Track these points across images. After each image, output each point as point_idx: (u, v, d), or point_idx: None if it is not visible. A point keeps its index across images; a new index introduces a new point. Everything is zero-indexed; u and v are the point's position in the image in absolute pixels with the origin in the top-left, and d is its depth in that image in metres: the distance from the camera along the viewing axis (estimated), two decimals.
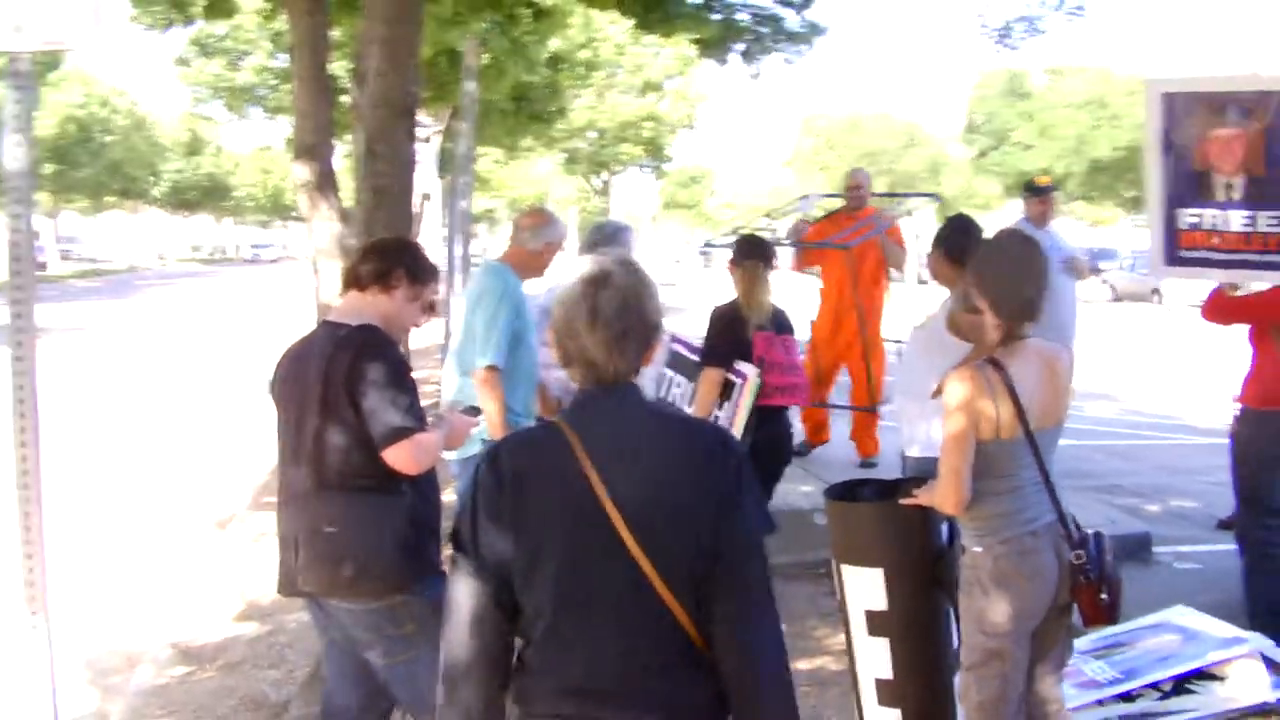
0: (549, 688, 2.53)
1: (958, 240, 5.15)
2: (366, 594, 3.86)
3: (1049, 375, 3.97)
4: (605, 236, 6.58)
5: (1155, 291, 39.02)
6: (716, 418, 6.31)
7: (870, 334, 9.42)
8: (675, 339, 7.27)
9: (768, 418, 6.33)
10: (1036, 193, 9.36)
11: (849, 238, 9.17)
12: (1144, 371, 8.47)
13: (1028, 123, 60.24)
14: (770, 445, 6.39)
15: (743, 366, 6.26)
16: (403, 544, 3.80)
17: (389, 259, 4.14)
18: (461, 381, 5.76)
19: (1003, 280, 3.98)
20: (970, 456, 3.91)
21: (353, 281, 4.14)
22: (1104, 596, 3.92)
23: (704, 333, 6.57)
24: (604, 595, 2.49)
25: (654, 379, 7.26)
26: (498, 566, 2.54)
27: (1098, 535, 4.03)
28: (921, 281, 6.33)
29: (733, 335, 6.38)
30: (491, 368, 5.49)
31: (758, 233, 8.30)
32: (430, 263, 4.31)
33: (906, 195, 10.79)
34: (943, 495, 3.99)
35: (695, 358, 6.58)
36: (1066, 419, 4.12)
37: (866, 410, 9.37)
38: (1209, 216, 6.01)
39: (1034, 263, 4.00)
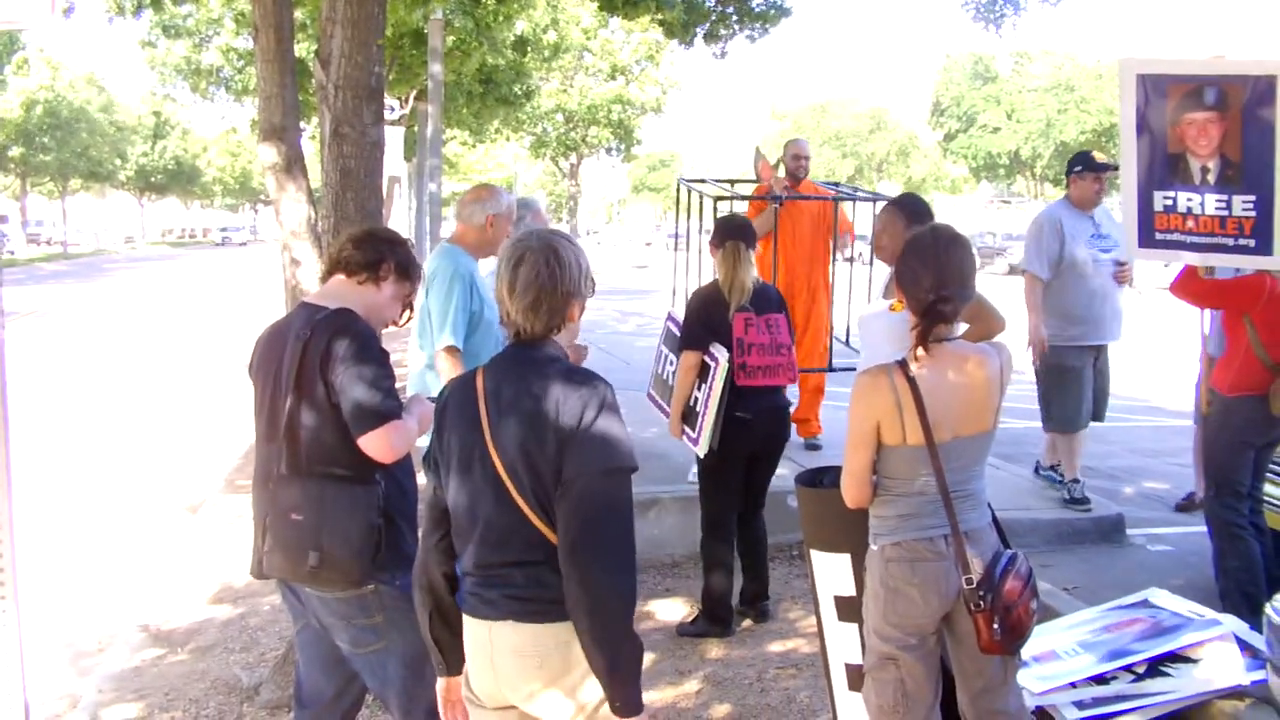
0: (462, 566, 3.20)
1: (898, 223, 5.15)
2: (330, 584, 3.82)
3: (970, 381, 3.81)
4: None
5: None
6: (696, 399, 6.34)
7: (816, 307, 9.42)
8: (671, 319, 7.32)
9: (753, 397, 6.31)
10: (1092, 168, 8.26)
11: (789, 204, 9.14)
12: (1115, 353, 8.51)
13: (994, 106, 60.44)
14: (761, 424, 6.40)
15: (716, 350, 6.27)
16: (370, 537, 3.74)
17: (382, 249, 4.08)
18: (420, 372, 5.74)
19: (914, 280, 3.83)
20: (871, 457, 3.83)
21: (340, 266, 4.06)
22: (996, 627, 3.70)
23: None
24: (479, 502, 3.08)
25: (655, 357, 7.46)
26: (438, 469, 3.22)
27: (1013, 556, 3.84)
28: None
29: (709, 318, 6.37)
30: (451, 348, 5.46)
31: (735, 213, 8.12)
32: (418, 263, 4.29)
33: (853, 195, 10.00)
34: (845, 490, 3.94)
35: None
36: (995, 424, 3.94)
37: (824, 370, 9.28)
38: (1184, 199, 5.98)
39: (948, 263, 3.81)
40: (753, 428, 6.35)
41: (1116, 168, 8.17)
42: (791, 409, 6.92)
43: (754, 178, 9.96)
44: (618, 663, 2.93)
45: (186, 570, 7.82)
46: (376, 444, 3.72)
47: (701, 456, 6.37)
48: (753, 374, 6.30)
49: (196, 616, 6.97)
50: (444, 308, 5.49)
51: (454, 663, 3.29)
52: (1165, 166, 5.99)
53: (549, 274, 3.10)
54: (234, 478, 10.12)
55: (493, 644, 3.09)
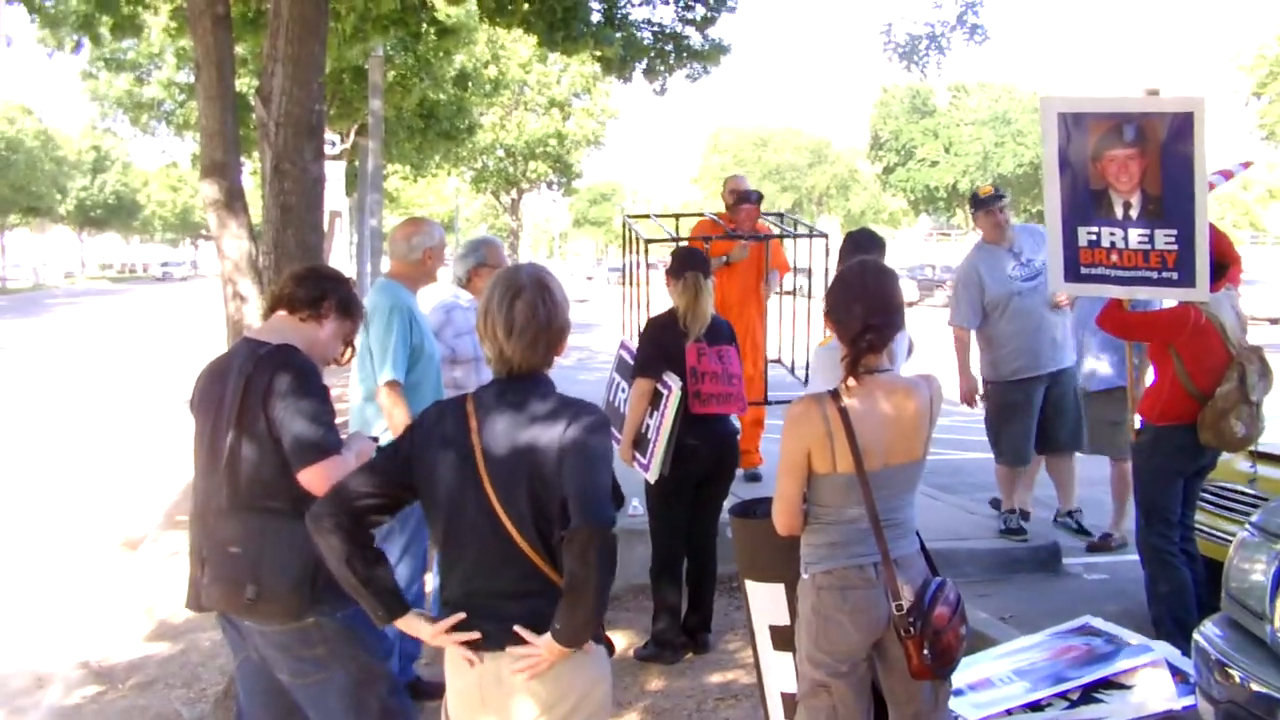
0: (446, 596, 3.24)
1: (849, 256, 5.20)
2: (268, 616, 3.83)
3: (899, 412, 3.87)
4: (467, 251, 6.61)
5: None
6: (648, 426, 6.41)
7: (751, 340, 9.44)
8: (624, 347, 7.37)
9: (704, 425, 6.40)
10: (981, 206, 8.49)
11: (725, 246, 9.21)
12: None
13: (932, 139, 60.95)
14: (711, 450, 6.49)
15: (669, 378, 6.34)
16: (309, 571, 3.74)
17: (324, 286, 4.12)
18: (360, 407, 5.76)
19: (843, 311, 3.92)
20: (801, 484, 3.90)
21: (283, 303, 4.10)
22: (926, 653, 3.75)
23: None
24: (473, 535, 3.13)
25: (605, 383, 7.51)
26: (377, 474, 3.23)
27: (941, 583, 3.91)
28: None
29: (664, 346, 6.45)
30: (393, 383, 5.48)
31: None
32: (360, 301, 4.32)
33: (794, 233, 10.06)
34: (775, 518, 4.00)
35: None
36: (924, 453, 3.99)
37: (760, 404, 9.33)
38: (1107, 234, 6.11)
39: (876, 294, 3.92)
40: (703, 454, 6.43)
41: (1003, 196, 8.36)
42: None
43: (694, 213, 10.02)
44: (601, 603, 3.09)
45: (126, 606, 7.75)
46: (316, 478, 3.71)
47: (653, 482, 6.43)
48: (706, 402, 6.39)
49: (136, 653, 6.91)
50: (384, 343, 5.50)
51: (397, 604, 3.22)
52: (1088, 202, 6.12)
53: (545, 312, 3.20)
54: (173, 513, 10.02)
55: (483, 675, 3.15)
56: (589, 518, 2.98)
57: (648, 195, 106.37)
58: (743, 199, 9.54)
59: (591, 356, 22.90)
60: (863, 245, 5.60)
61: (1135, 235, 6.02)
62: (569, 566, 2.99)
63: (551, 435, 3.08)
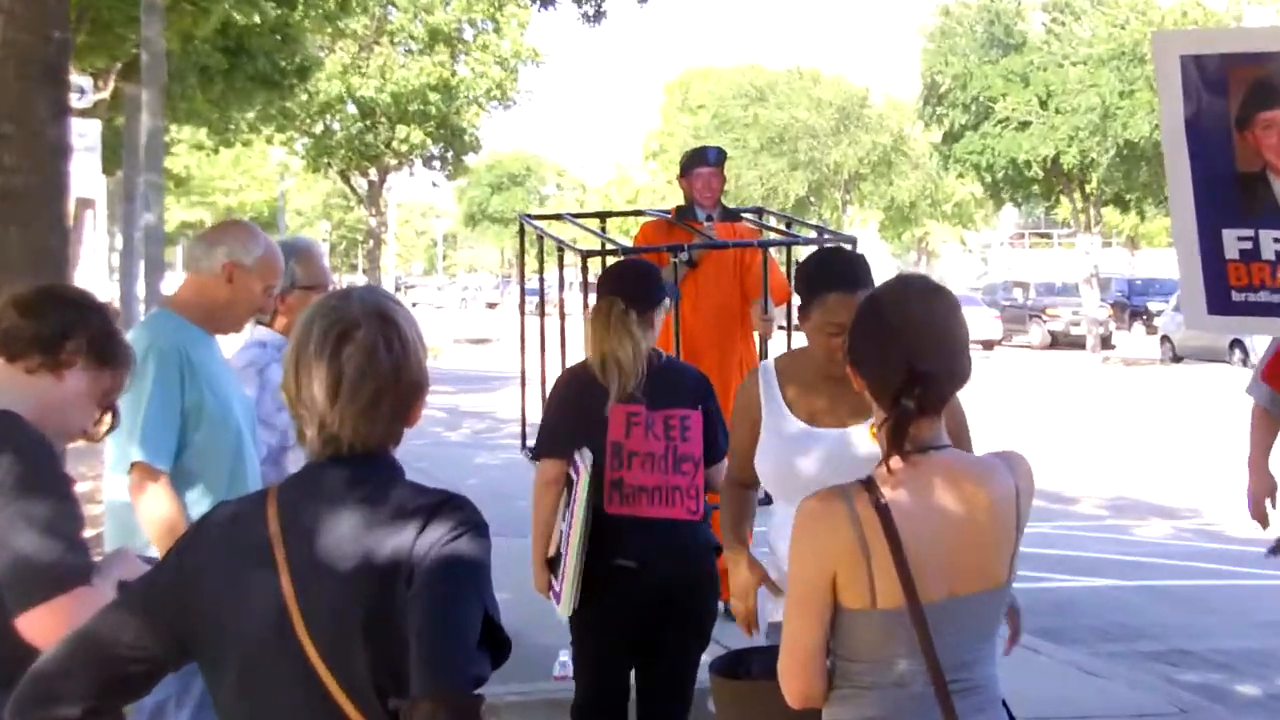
0: None
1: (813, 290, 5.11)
2: None
3: (969, 511, 3.75)
4: None
5: (1235, 346, 36.77)
6: (562, 531, 6.22)
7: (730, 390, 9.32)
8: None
9: (641, 534, 6.20)
10: None
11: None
12: (1224, 471, 8.39)
13: (1020, 88, 61.24)
14: (661, 575, 6.22)
15: (580, 458, 6.18)
16: None
17: (67, 318, 4.08)
18: (122, 506, 5.52)
19: (876, 354, 3.84)
20: (823, 626, 3.77)
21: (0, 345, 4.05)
22: None
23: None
24: (282, 709, 3.05)
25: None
26: (132, 616, 3.11)
27: None
28: None
29: (579, 411, 6.32)
30: (143, 466, 5.30)
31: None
32: (125, 342, 4.27)
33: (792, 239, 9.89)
34: (783, 679, 3.85)
35: None
36: (1011, 576, 3.91)
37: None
38: (1269, 240, 6.03)
39: (926, 326, 3.82)
40: (646, 581, 6.19)
41: None
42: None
43: (629, 210, 10.09)
44: None
45: None
46: (47, 624, 3.62)
47: (565, 618, 6.31)
48: (631, 499, 6.22)
49: None
50: (134, 406, 5.24)
51: None
52: (1236, 192, 6.03)
53: (390, 358, 3.10)
54: None
55: None
56: (437, 678, 2.88)
57: (580, 177, 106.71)
58: (697, 159, 9.59)
59: (495, 429, 22.72)
60: (839, 274, 5.32)
61: None
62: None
63: (399, 546, 2.99)
